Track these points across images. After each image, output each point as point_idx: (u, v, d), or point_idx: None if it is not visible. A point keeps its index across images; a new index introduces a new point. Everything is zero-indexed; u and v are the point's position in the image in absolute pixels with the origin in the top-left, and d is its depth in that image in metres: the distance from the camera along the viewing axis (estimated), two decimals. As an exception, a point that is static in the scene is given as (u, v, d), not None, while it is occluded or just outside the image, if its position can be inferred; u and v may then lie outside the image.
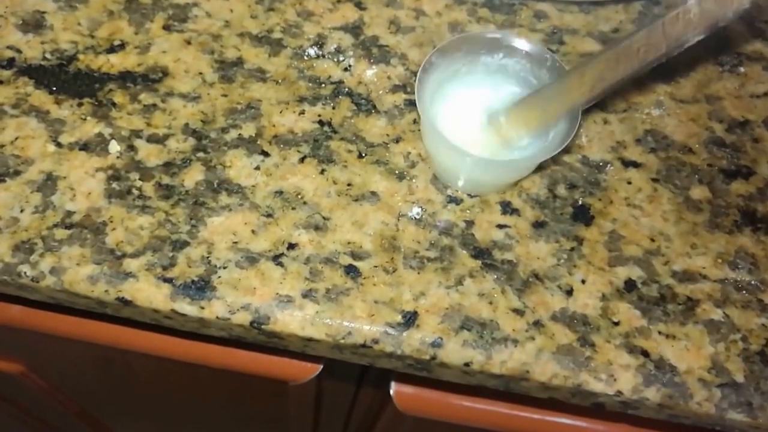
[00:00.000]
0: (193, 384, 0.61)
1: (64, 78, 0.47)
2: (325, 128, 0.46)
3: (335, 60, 0.49)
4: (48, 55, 0.48)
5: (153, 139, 0.45)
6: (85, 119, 0.45)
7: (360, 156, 0.45)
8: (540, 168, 0.46)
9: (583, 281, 0.42)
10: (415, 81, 0.48)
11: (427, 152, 0.45)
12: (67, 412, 0.79)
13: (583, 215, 0.45)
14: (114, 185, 0.43)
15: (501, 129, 0.44)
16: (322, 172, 0.45)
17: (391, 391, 0.50)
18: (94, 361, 0.60)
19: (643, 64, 0.38)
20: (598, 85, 0.40)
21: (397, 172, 0.45)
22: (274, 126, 0.46)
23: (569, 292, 0.42)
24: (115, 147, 0.44)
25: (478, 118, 0.45)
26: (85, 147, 0.44)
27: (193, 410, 0.72)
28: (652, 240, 0.44)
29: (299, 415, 0.64)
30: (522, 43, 0.44)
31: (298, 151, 0.45)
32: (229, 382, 0.57)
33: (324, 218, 0.43)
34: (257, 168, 0.44)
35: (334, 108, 0.47)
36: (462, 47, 0.44)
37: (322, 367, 0.50)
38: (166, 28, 0.50)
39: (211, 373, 0.53)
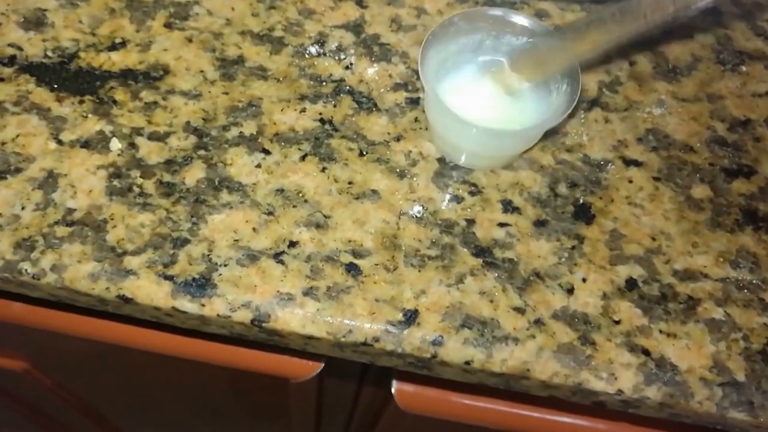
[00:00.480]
0: (195, 381, 0.61)
1: (66, 75, 0.47)
2: (326, 126, 0.46)
3: (336, 58, 0.49)
4: (49, 53, 0.48)
5: (154, 137, 0.45)
6: (86, 117, 0.45)
7: (361, 154, 0.45)
8: (541, 167, 0.46)
9: (584, 280, 0.42)
10: (416, 79, 0.48)
11: (430, 127, 0.46)
12: (71, 408, 0.80)
13: (584, 214, 0.44)
14: (115, 183, 0.43)
15: (504, 76, 0.44)
16: (323, 170, 0.45)
17: (393, 390, 0.50)
18: (97, 358, 0.60)
19: (650, 23, 0.38)
20: (601, 40, 0.40)
21: (398, 170, 0.45)
22: (275, 124, 0.46)
23: (570, 291, 0.41)
24: (116, 144, 0.44)
25: (482, 86, 0.45)
26: (86, 144, 0.44)
27: (195, 406, 0.72)
28: (653, 239, 0.44)
29: (301, 412, 0.64)
30: (524, 21, 0.45)
31: (299, 149, 0.45)
32: (231, 380, 0.57)
33: (325, 216, 0.43)
34: (258, 166, 0.44)
35: (335, 106, 0.47)
36: (467, 22, 0.45)
37: (323, 365, 0.50)
38: (168, 26, 0.50)
39: (213, 370, 0.53)
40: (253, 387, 0.59)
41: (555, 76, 0.44)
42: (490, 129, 0.42)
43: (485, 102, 0.45)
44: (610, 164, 0.47)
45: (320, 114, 0.47)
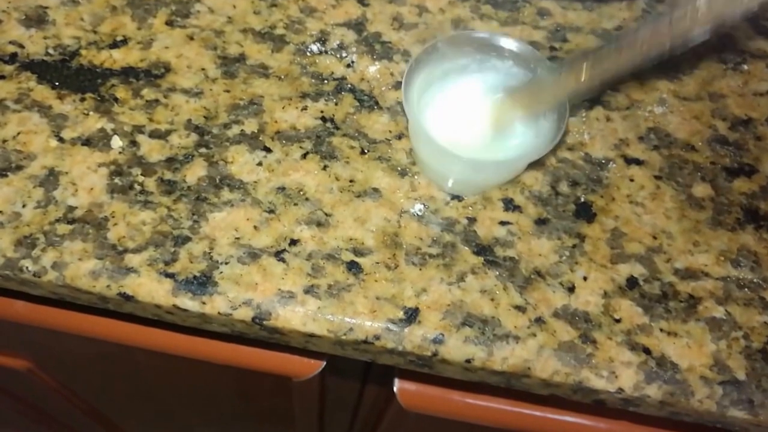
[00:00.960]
0: (197, 380, 0.61)
1: (67, 73, 0.47)
2: (328, 124, 0.46)
3: (338, 56, 0.49)
4: (51, 51, 0.48)
5: (155, 135, 0.45)
6: (87, 114, 0.45)
7: (362, 152, 0.45)
8: (542, 165, 0.46)
9: (585, 278, 0.42)
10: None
11: (415, 154, 0.45)
12: (73, 407, 0.80)
13: (585, 212, 0.44)
14: (116, 180, 0.43)
15: (495, 110, 0.44)
16: (325, 168, 0.45)
17: (395, 388, 0.50)
18: (99, 357, 0.60)
19: (645, 58, 0.38)
20: (596, 76, 0.40)
21: (399, 168, 0.45)
22: (276, 122, 0.46)
23: (571, 289, 0.41)
24: (117, 142, 0.44)
25: (468, 113, 0.45)
26: (87, 142, 0.44)
27: (198, 406, 0.72)
28: (655, 237, 0.44)
29: (304, 411, 0.64)
30: (511, 44, 0.44)
31: (301, 147, 0.45)
32: (234, 379, 0.57)
33: (326, 214, 0.43)
34: (259, 164, 0.44)
35: (336, 104, 0.47)
36: (451, 47, 0.44)
37: (324, 363, 0.50)
38: (169, 23, 0.50)
39: (216, 369, 0.53)
40: (255, 386, 0.59)
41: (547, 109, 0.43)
42: (476, 160, 0.42)
43: (471, 129, 0.44)
44: (611, 163, 0.47)
45: (321, 112, 0.47)
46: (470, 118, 0.45)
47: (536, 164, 0.46)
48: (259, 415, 0.71)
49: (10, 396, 0.79)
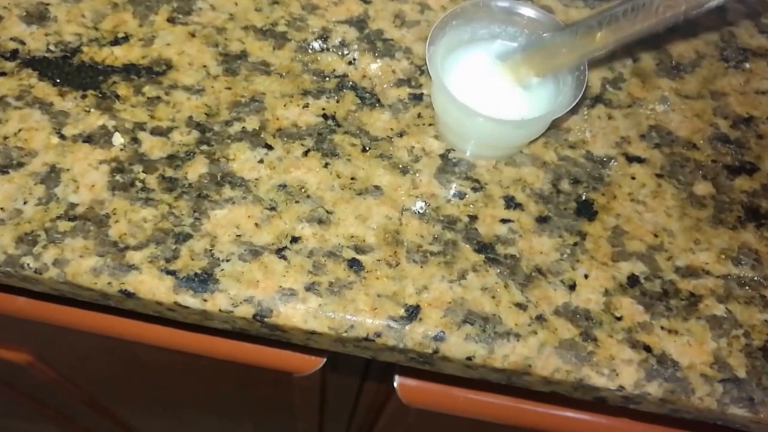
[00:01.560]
0: (198, 375, 0.61)
1: (68, 70, 0.47)
2: (329, 122, 0.46)
3: (340, 53, 0.49)
4: (52, 47, 0.48)
5: (157, 132, 0.45)
6: (89, 111, 0.45)
7: (364, 150, 0.45)
8: (543, 163, 0.46)
9: (586, 276, 0.42)
10: (419, 75, 0.48)
11: (437, 116, 0.46)
12: (75, 400, 0.80)
13: (586, 210, 0.44)
14: (117, 177, 0.43)
15: (515, 67, 0.45)
16: (326, 165, 0.45)
17: (395, 384, 0.50)
18: (101, 351, 0.60)
19: (660, 20, 0.38)
20: (612, 37, 0.40)
21: (400, 166, 0.45)
22: (277, 119, 0.46)
23: (572, 287, 0.42)
24: (118, 139, 0.44)
25: (490, 75, 0.45)
26: (88, 139, 0.44)
27: (199, 400, 0.73)
28: (656, 235, 0.44)
29: (305, 407, 0.65)
30: (530, 12, 0.45)
31: (302, 145, 0.45)
32: (235, 374, 0.57)
33: (327, 212, 0.43)
34: (261, 161, 0.44)
35: (338, 101, 0.47)
36: (477, 14, 0.45)
37: (325, 360, 0.51)
38: (171, 20, 0.50)
39: (217, 364, 0.53)
40: (256, 381, 0.59)
41: (563, 70, 0.44)
42: (496, 119, 0.42)
43: (492, 92, 0.45)
44: (612, 161, 0.47)
45: (323, 109, 0.47)
46: (492, 82, 0.45)
47: (537, 162, 0.46)
48: (260, 410, 0.71)
49: (11, 389, 0.79)
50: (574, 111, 0.48)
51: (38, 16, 0.49)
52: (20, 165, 0.43)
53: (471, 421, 0.52)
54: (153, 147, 0.44)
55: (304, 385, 0.55)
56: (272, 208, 0.43)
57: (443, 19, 0.44)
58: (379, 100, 0.48)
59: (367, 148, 0.45)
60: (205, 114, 0.46)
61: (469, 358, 0.39)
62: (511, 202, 0.44)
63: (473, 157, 0.45)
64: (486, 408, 0.51)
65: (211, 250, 0.41)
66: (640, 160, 0.47)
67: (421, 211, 0.43)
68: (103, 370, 0.68)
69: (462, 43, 0.46)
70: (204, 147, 0.45)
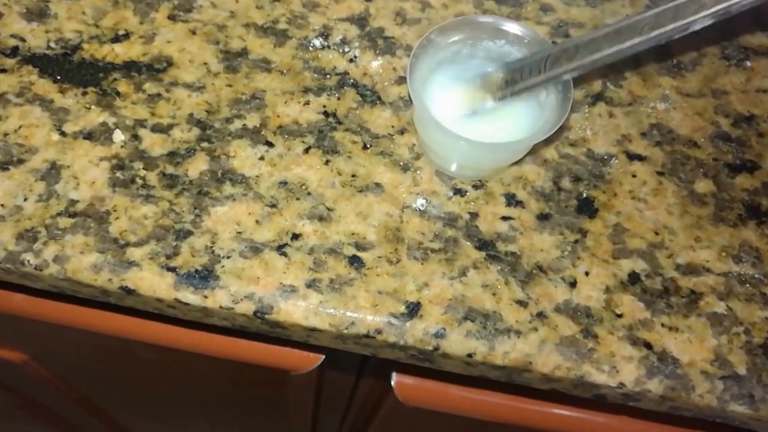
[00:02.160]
0: (194, 373, 0.61)
1: (69, 67, 0.47)
2: (330, 119, 0.46)
3: (340, 51, 0.49)
4: (52, 44, 0.48)
5: (157, 129, 0.45)
6: (89, 108, 0.45)
7: (365, 147, 0.45)
8: (544, 161, 0.46)
9: (587, 273, 0.42)
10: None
11: (420, 139, 0.45)
12: (69, 401, 0.80)
13: (587, 208, 0.44)
14: (118, 174, 0.43)
15: (493, 86, 0.44)
16: (327, 162, 0.45)
17: (392, 382, 0.50)
18: (97, 350, 0.60)
19: (644, 40, 0.38)
20: (592, 56, 0.40)
21: (401, 163, 0.45)
22: (278, 116, 0.46)
23: (573, 284, 0.41)
24: (119, 136, 0.44)
25: (471, 96, 0.45)
26: (89, 136, 0.44)
27: (194, 399, 0.73)
28: (656, 233, 0.44)
29: (299, 404, 0.64)
30: (515, 28, 0.44)
31: (303, 142, 0.45)
32: (231, 372, 0.57)
33: (328, 209, 0.43)
34: (261, 158, 0.44)
35: (339, 99, 0.47)
36: (455, 32, 0.44)
37: (323, 357, 0.50)
38: (171, 18, 0.50)
39: (213, 362, 0.53)
40: (253, 380, 0.59)
41: (547, 88, 0.43)
42: (480, 143, 0.41)
43: (476, 112, 0.44)
44: (613, 158, 0.47)
45: (324, 107, 0.47)
46: (473, 103, 0.45)
47: (538, 160, 0.46)
48: (254, 407, 0.71)
49: (5, 388, 0.79)
50: (574, 109, 0.48)
51: (38, 13, 0.49)
52: (20, 162, 0.43)
53: (468, 419, 0.52)
54: (153, 144, 0.44)
55: (301, 384, 0.55)
56: (273, 205, 0.43)
57: (423, 41, 0.43)
58: (380, 98, 0.48)
59: (368, 146, 0.45)
60: (206, 111, 0.46)
61: (469, 355, 0.39)
62: (512, 200, 0.44)
63: (458, 176, 0.45)
64: (483, 406, 0.51)
65: (211, 247, 0.41)
66: (641, 158, 0.47)
67: (422, 209, 0.43)
68: (98, 369, 0.68)
69: (445, 64, 0.45)
70: (204, 144, 0.45)
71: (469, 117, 0.44)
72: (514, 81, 0.43)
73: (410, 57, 0.42)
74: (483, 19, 0.44)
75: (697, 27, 0.37)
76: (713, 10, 0.37)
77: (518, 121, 0.44)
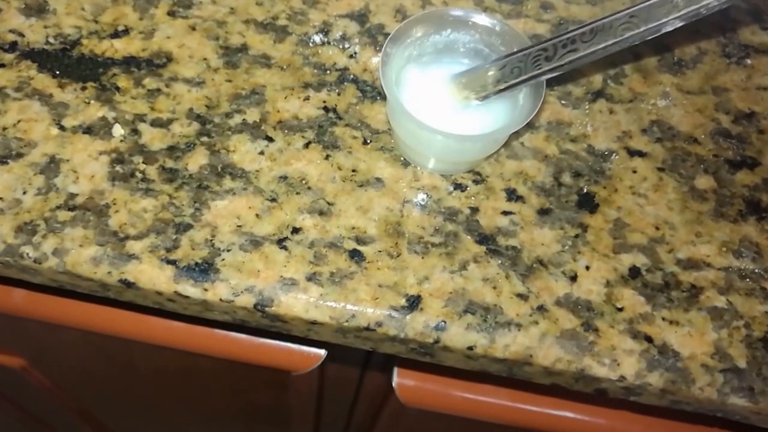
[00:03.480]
0: (194, 378, 0.60)
1: (68, 62, 0.47)
2: (330, 114, 0.46)
3: (341, 47, 0.49)
4: (51, 40, 0.48)
5: (157, 124, 0.45)
6: (88, 103, 0.45)
7: (365, 142, 0.45)
8: (545, 156, 0.46)
9: (588, 267, 0.42)
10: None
11: (394, 135, 0.45)
12: (66, 410, 0.79)
13: (587, 203, 0.44)
14: (117, 168, 0.43)
15: (462, 86, 0.44)
16: (327, 157, 0.45)
17: (393, 384, 0.50)
18: (96, 354, 0.60)
19: (618, 41, 0.38)
20: (566, 56, 0.40)
21: (402, 158, 0.45)
22: (278, 112, 0.46)
23: (573, 278, 0.41)
24: (118, 131, 0.44)
25: (446, 90, 0.44)
26: (88, 130, 0.44)
27: (194, 406, 0.72)
28: (657, 228, 0.44)
29: (302, 407, 0.64)
30: (485, 20, 0.44)
31: (303, 137, 0.45)
32: (232, 374, 0.57)
33: (328, 203, 0.43)
34: (261, 153, 0.44)
35: (339, 94, 0.47)
36: (421, 26, 0.44)
37: (324, 356, 0.50)
38: (171, 13, 0.50)
39: (214, 363, 0.53)
40: (254, 383, 0.58)
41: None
42: (456, 135, 0.41)
43: (449, 106, 0.44)
44: (614, 154, 0.47)
45: (324, 102, 0.47)
46: (448, 96, 0.44)
47: (539, 155, 0.46)
48: (256, 410, 0.71)
49: (3, 398, 0.78)
50: (576, 106, 0.48)
51: (37, 9, 0.49)
52: (19, 155, 0.43)
53: (470, 421, 0.52)
54: (153, 138, 0.44)
55: (302, 385, 0.55)
56: (273, 200, 0.43)
57: (394, 35, 0.43)
58: (380, 93, 0.47)
59: (368, 141, 0.45)
60: (206, 106, 0.46)
61: (470, 348, 0.39)
62: (512, 195, 0.44)
63: (435, 171, 0.45)
64: (485, 408, 0.51)
65: (211, 240, 0.41)
66: (641, 154, 0.47)
67: (422, 203, 0.43)
68: (96, 375, 0.67)
69: (417, 57, 0.45)
70: (204, 138, 0.44)
71: (449, 113, 0.44)
72: (498, 80, 0.43)
73: (382, 51, 0.42)
74: (455, 12, 0.44)
75: (669, 29, 0.38)
76: (684, 12, 0.37)
77: (494, 113, 0.44)
